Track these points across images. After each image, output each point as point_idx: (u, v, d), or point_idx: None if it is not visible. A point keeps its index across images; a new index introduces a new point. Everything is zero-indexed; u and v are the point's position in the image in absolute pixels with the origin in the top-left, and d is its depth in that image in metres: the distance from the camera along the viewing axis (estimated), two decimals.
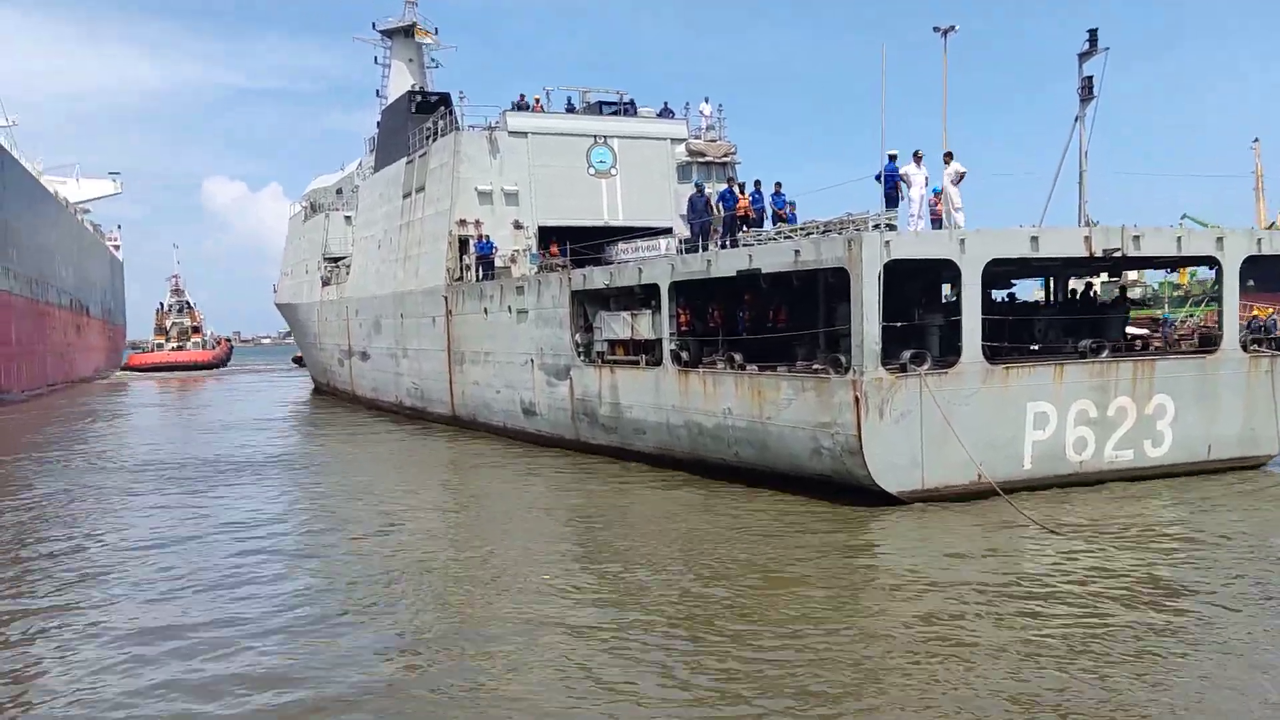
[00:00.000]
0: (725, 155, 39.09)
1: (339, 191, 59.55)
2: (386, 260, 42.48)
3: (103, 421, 44.80)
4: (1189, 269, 73.04)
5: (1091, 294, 26.27)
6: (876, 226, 18.08)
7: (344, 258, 51.91)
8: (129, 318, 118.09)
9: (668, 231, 35.31)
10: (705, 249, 23.77)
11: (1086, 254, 19.15)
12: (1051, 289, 26.97)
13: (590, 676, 10.54)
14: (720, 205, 23.63)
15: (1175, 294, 77.66)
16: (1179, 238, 19.93)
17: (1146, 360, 19.95)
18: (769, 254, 20.17)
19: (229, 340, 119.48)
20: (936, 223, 20.17)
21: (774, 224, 22.01)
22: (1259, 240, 20.69)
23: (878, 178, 18.87)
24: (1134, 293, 54.78)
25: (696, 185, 29.09)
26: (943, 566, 14.29)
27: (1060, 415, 19.05)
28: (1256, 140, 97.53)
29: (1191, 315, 60.32)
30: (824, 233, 19.34)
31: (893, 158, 18.99)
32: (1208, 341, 21.25)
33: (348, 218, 55.18)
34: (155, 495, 22.51)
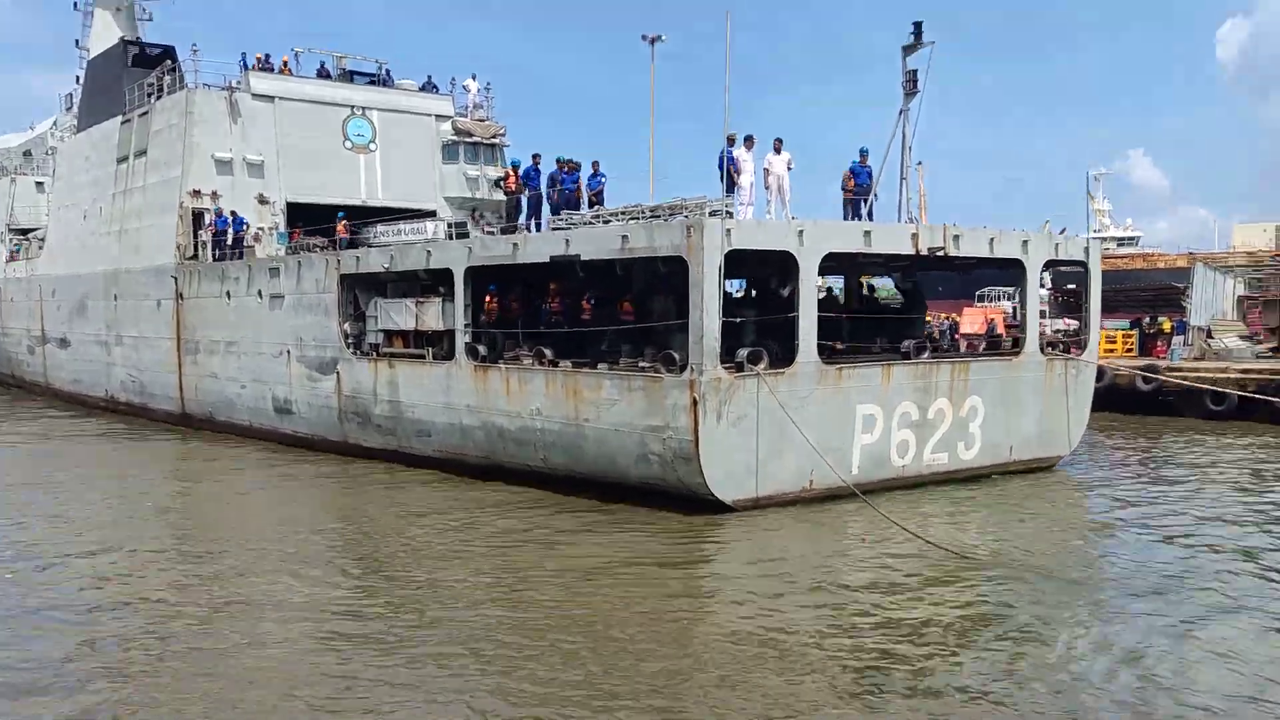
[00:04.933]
0: (494, 136, 36.73)
1: (27, 154, 51.75)
2: (95, 233, 36.67)
3: None
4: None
5: (874, 295, 26.33)
6: (715, 213, 16.65)
7: (36, 229, 44.78)
8: None
9: (432, 214, 32.63)
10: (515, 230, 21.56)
11: (914, 251, 18.71)
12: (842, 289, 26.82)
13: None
14: (524, 184, 21.45)
15: None
16: (991, 239, 19.97)
17: (962, 362, 19.85)
18: (590, 239, 18.27)
19: None
20: None
21: (589, 207, 20.15)
22: (1056, 245, 21.20)
23: (720, 163, 17.45)
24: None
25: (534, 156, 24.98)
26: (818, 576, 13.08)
27: (886, 418, 18.48)
28: (920, 163, 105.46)
29: None
30: (653, 217, 17.71)
31: (731, 141, 17.66)
32: (1010, 344, 21.57)
33: (39, 184, 47.89)
34: None
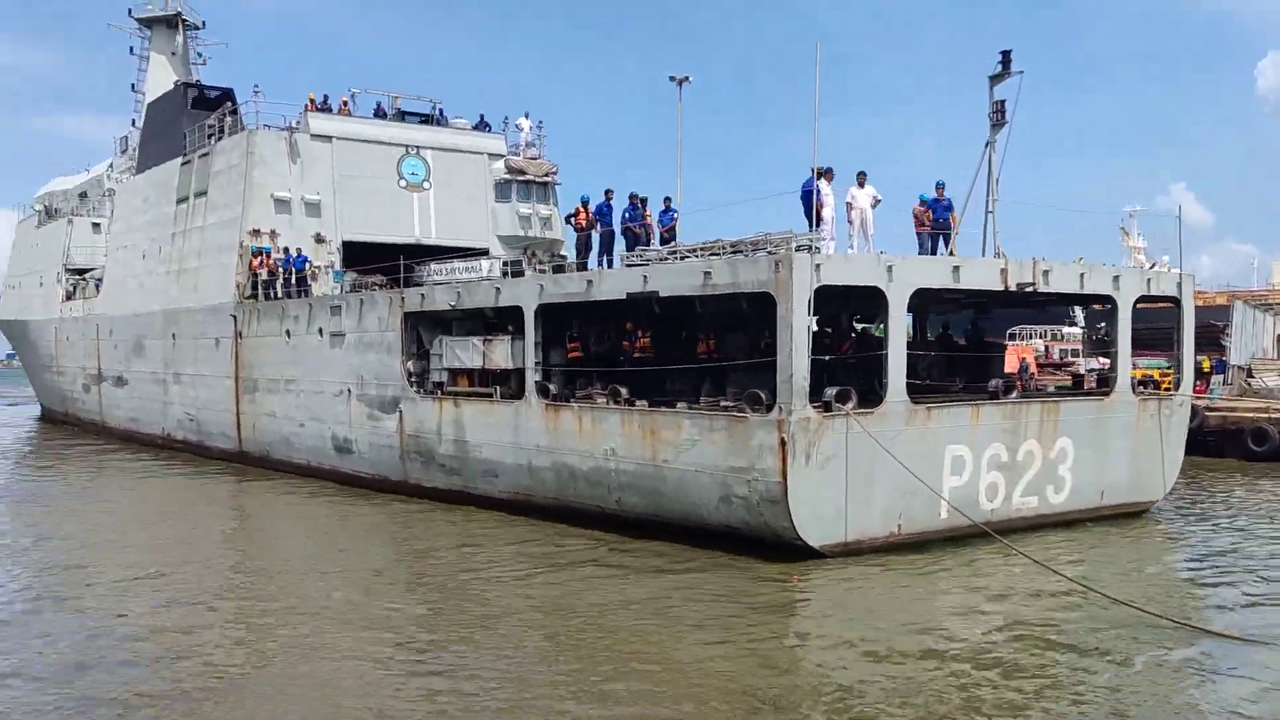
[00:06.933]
0: (546, 174, 36.54)
1: (83, 195, 52.27)
2: (154, 273, 36.82)
3: None
4: None
5: (947, 333, 25.60)
6: (801, 248, 16.13)
7: (93, 269, 45.15)
8: None
9: (485, 252, 32.43)
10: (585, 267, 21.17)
11: (1003, 287, 18.08)
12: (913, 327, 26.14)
13: None
14: (596, 220, 21.07)
15: None
16: (1081, 274, 19.31)
17: (1052, 402, 19.11)
18: (669, 275, 17.80)
19: None
20: None
21: (661, 243, 19.73)
22: (1148, 281, 20.48)
23: (805, 196, 16.97)
24: None
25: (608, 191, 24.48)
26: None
27: (975, 459, 17.76)
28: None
29: None
30: (735, 252, 17.23)
31: (817, 174, 17.15)
32: (1103, 383, 20.80)
33: (96, 224, 48.37)
34: None
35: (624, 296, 18.45)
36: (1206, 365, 38.51)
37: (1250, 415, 30.66)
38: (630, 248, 19.86)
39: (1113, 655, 11.63)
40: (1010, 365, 25.42)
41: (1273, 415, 30.23)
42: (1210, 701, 10.24)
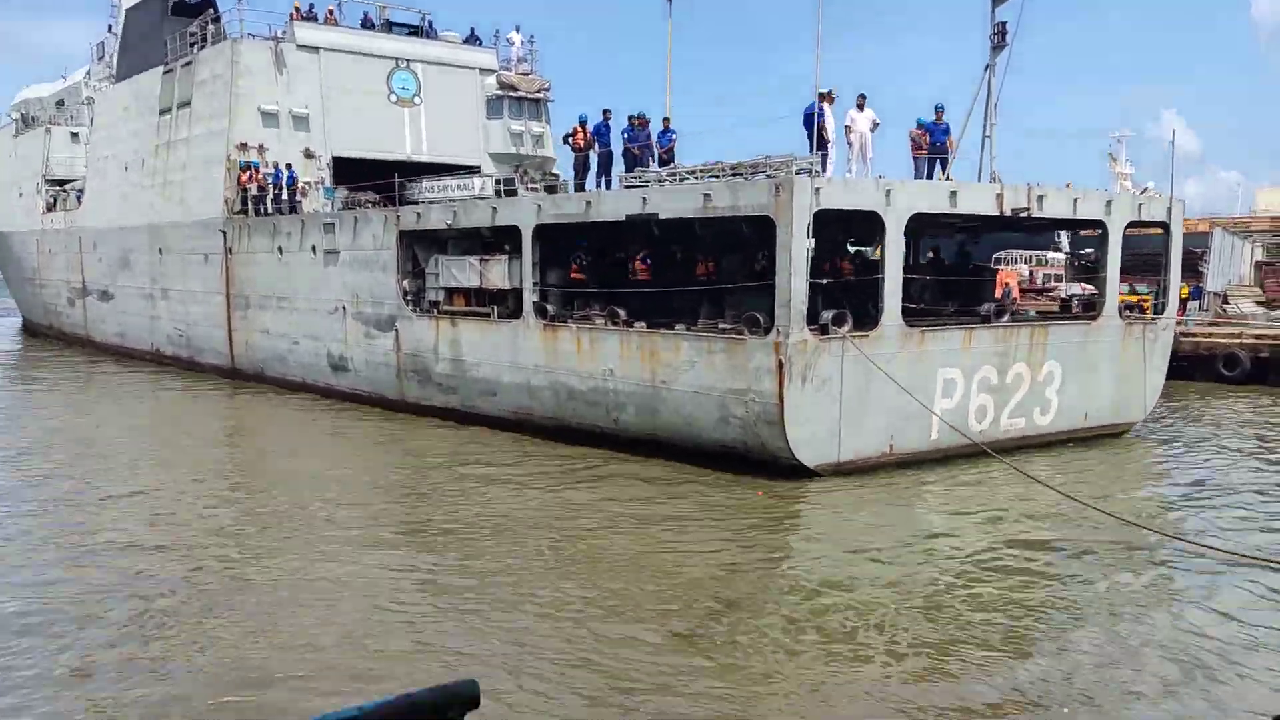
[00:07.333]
0: (539, 91, 36.12)
1: (60, 104, 51.22)
2: (138, 186, 36.38)
3: None
4: None
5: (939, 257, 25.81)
6: (802, 171, 16.23)
7: (74, 180, 44.50)
8: None
9: (476, 170, 32.21)
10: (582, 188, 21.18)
11: (998, 212, 18.28)
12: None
13: None
14: (595, 140, 20.99)
15: None
16: (1074, 199, 19.50)
17: (1041, 326, 19.48)
18: (669, 197, 17.87)
19: None
20: None
21: (660, 165, 19.71)
22: (1139, 206, 20.70)
23: (807, 119, 16.98)
24: None
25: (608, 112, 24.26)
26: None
27: (966, 382, 18.17)
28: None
29: None
30: (735, 175, 17.30)
31: (821, 97, 17.13)
32: (1089, 307, 21.18)
33: (75, 134, 47.52)
34: None
35: (623, 218, 18.53)
36: (1184, 292, 38.95)
37: (1224, 341, 31.21)
38: (629, 169, 19.86)
39: (1099, 568, 12.21)
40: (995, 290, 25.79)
41: (1245, 341, 30.80)
42: (1190, 613, 10.80)
